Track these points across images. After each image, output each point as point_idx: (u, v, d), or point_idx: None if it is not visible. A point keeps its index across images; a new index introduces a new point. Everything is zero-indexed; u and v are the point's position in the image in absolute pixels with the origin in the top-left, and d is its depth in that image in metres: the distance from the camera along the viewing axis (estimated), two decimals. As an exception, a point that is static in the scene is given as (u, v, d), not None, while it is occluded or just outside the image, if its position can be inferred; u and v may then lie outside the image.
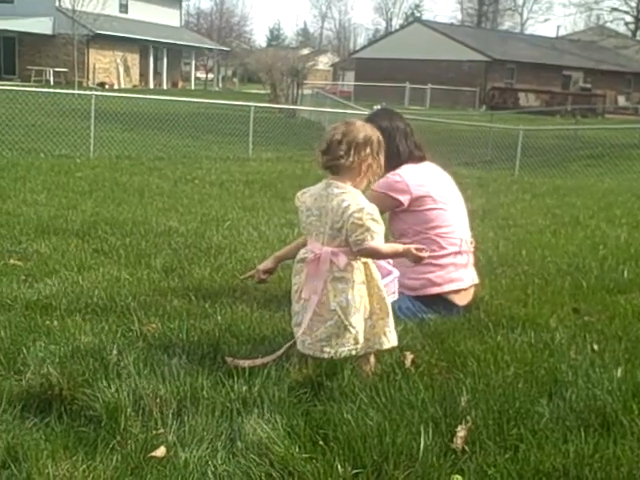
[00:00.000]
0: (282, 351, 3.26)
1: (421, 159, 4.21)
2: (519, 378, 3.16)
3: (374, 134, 3.13)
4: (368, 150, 3.07)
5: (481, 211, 7.77)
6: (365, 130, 3.11)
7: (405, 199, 4.04)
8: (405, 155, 4.14)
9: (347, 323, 3.12)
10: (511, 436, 2.66)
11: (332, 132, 3.10)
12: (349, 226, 3.02)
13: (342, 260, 3.09)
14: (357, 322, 3.13)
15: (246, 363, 3.17)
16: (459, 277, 4.11)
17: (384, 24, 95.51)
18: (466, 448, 2.59)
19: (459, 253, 4.12)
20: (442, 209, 4.09)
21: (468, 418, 2.75)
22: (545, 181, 12.10)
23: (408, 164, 4.14)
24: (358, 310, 3.12)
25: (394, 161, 4.04)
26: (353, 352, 3.15)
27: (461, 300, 4.12)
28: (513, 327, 3.87)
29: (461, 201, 4.27)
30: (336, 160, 3.06)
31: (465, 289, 4.14)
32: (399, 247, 3.22)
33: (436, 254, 4.01)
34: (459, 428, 2.68)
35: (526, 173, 13.22)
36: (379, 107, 15.26)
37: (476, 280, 4.25)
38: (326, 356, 3.13)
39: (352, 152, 3.04)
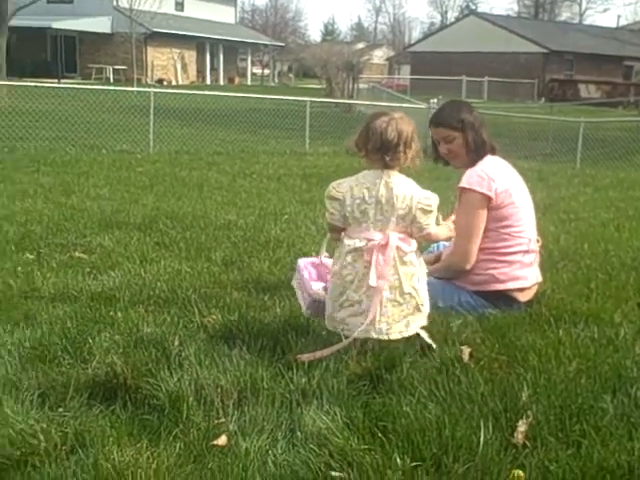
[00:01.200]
0: (341, 345, 3.27)
1: (496, 150, 4.12)
2: (581, 374, 3.11)
3: (412, 125, 3.27)
4: (415, 144, 3.23)
5: (542, 205, 7.63)
6: (410, 123, 3.26)
7: (492, 195, 3.90)
8: (487, 145, 4.04)
9: (420, 303, 3.32)
10: (573, 432, 2.62)
11: (383, 129, 3.17)
12: (416, 212, 3.19)
13: (410, 245, 3.25)
14: (427, 301, 3.36)
15: (304, 357, 3.19)
16: (523, 275, 4.03)
17: (439, 17, 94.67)
18: (527, 443, 2.56)
19: (527, 252, 4.04)
20: (517, 207, 3.99)
21: (529, 413, 2.72)
22: (608, 174, 11.84)
23: (489, 156, 4.05)
24: (425, 290, 3.34)
25: (480, 152, 4.00)
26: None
27: (523, 297, 4.05)
28: (575, 322, 3.81)
29: (530, 199, 4.18)
30: (397, 160, 3.20)
31: (528, 288, 4.08)
32: (451, 229, 3.49)
33: (503, 251, 3.97)
34: (520, 423, 2.66)
35: (588, 166, 12.97)
36: (435, 100, 15.14)
37: (539, 279, 4.16)
38: (400, 337, 3.30)
39: (407, 149, 3.20)
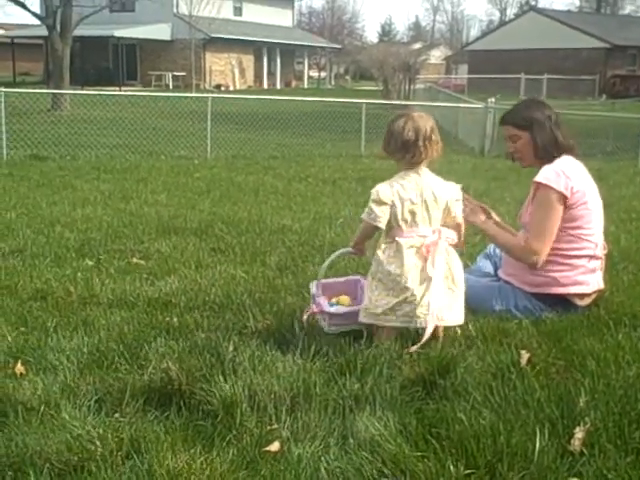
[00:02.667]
0: (429, 332, 3.34)
1: (574, 149, 4.01)
2: (642, 379, 3.03)
3: (431, 120, 3.43)
4: (435, 136, 3.38)
5: (602, 204, 7.48)
6: (428, 119, 3.42)
7: (568, 194, 3.81)
8: (561, 144, 3.92)
9: (464, 291, 3.53)
10: (633, 439, 2.56)
11: (401, 129, 3.35)
12: (451, 204, 3.44)
13: (454, 236, 3.48)
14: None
15: (412, 349, 3.30)
16: (586, 281, 3.93)
17: (498, 14, 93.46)
18: (584, 450, 2.51)
19: (592, 257, 3.93)
20: (589, 209, 3.89)
21: (587, 419, 2.66)
22: (671, 172, 11.52)
23: (564, 156, 3.93)
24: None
25: (551, 151, 3.91)
26: None
27: (582, 302, 3.95)
28: (635, 325, 3.71)
29: (601, 203, 4.05)
30: (420, 156, 3.36)
31: (589, 294, 3.98)
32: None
33: (569, 253, 3.88)
34: (577, 430, 2.60)
35: (651, 164, 12.65)
36: (493, 100, 14.96)
37: (602, 285, 4.05)
38: (453, 323, 3.49)
39: (427, 143, 3.35)
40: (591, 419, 2.66)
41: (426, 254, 3.36)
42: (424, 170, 3.42)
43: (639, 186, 9.76)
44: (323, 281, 3.77)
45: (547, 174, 3.83)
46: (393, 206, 3.35)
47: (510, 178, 9.90)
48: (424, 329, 3.37)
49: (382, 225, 3.39)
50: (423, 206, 3.37)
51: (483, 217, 4.05)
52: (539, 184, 3.84)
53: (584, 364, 3.20)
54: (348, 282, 3.95)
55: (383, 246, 3.47)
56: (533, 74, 42.15)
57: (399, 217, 3.36)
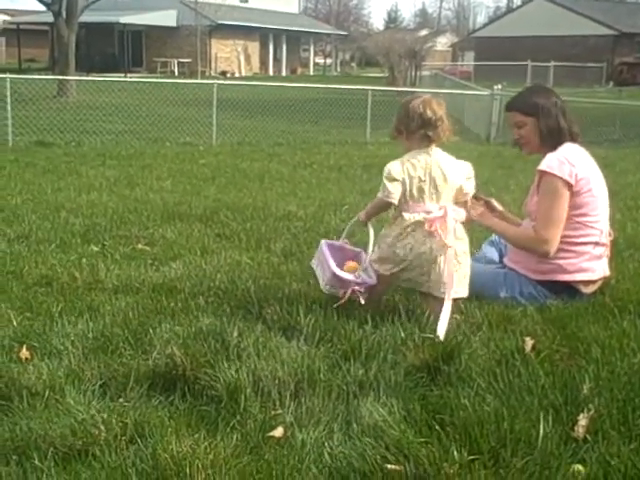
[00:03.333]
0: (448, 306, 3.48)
1: (578, 137, 4.00)
2: (646, 366, 3.03)
3: (443, 104, 3.60)
4: (447, 119, 3.52)
5: (608, 192, 7.45)
6: (441, 104, 3.57)
7: (572, 181, 3.80)
8: (566, 132, 3.92)
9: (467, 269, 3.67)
10: (637, 426, 2.55)
11: (422, 109, 3.48)
12: (463, 182, 3.57)
13: (463, 213, 3.62)
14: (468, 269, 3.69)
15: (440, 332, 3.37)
16: (591, 267, 3.92)
17: (505, 1, 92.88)
18: (588, 437, 2.51)
19: (597, 244, 3.92)
20: (594, 196, 3.88)
21: (590, 406, 2.65)
22: (679, 159, 11.47)
23: (568, 143, 3.93)
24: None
25: (556, 138, 3.91)
26: None
27: (587, 289, 3.94)
28: (641, 313, 3.71)
29: (606, 191, 4.05)
30: (437, 135, 3.49)
31: (594, 281, 3.97)
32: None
33: (574, 240, 3.87)
34: (581, 416, 2.60)
35: (657, 151, 12.59)
36: (499, 87, 14.91)
37: (607, 273, 4.04)
38: (456, 296, 3.58)
39: (442, 124, 3.49)
40: (595, 406, 2.66)
41: (429, 228, 3.49)
42: (435, 150, 3.54)
43: (646, 174, 9.72)
44: (335, 242, 3.95)
45: (550, 162, 3.82)
46: (404, 182, 3.49)
47: (516, 166, 9.87)
48: (426, 294, 3.63)
49: (395, 201, 3.52)
50: (431, 184, 3.50)
51: (487, 213, 4.06)
52: (543, 172, 3.83)
53: (588, 351, 3.19)
54: (351, 251, 4.00)
55: (391, 221, 3.63)
56: (540, 61, 41.90)
57: (407, 193, 3.51)
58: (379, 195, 3.59)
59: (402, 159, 3.55)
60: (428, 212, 3.52)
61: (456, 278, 3.54)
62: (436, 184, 3.50)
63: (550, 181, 3.81)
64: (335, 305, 3.63)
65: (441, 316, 3.44)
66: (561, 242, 3.86)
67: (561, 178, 3.78)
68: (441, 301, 3.51)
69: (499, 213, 4.17)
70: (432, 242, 3.52)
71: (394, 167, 3.52)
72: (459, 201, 3.62)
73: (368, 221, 3.76)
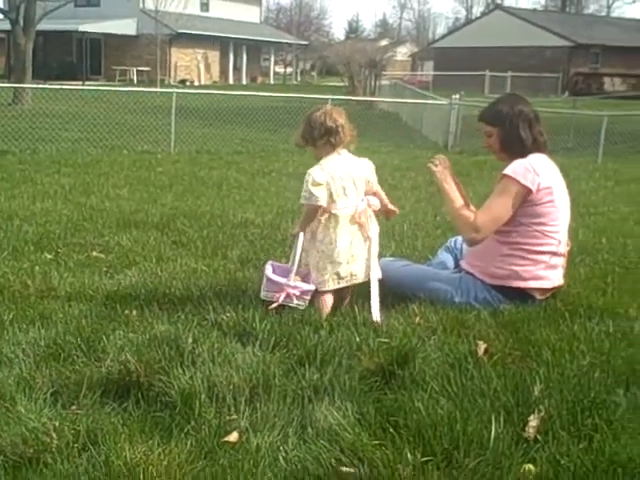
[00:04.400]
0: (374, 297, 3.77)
1: (543, 147, 4.04)
2: (595, 368, 3.08)
3: (343, 112, 3.91)
4: (348, 125, 3.83)
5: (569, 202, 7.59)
6: (341, 112, 3.89)
7: (534, 189, 3.84)
8: (529, 142, 3.95)
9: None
10: (585, 426, 2.61)
11: (323, 119, 3.78)
12: (369, 175, 3.92)
13: (377, 203, 3.98)
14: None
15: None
16: (546, 276, 3.98)
17: (464, 12, 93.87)
18: (538, 437, 2.55)
19: (554, 254, 3.97)
20: (555, 207, 3.92)
21: (541, 407, 2.70)
22: (630, 168, 11.71)
23: (535, 154, 3.97)
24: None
25: (517, 148, 3.95)
26: None
27: (542, 295, 4.00)
28: (591, 316, 3.78)
29: (568, 202, 4.09)
30: (340, 140, 3.80)
31: (549, 289, 4.04)
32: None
33: (531, 249, 3.92)
34: (532, 417, 2.65)
35: (610, 160, 12.82)
36: (457, 97, 15.08)
37: (561, 282, 4.10)
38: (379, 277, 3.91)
39: (344, 130, 3.81)
40: (545, 407, 2.71)
41: (358, 219, 3.82)
42: (343, 151, 3.85)
43: (598, 181, 9.93)
44: (279, 264, 4.08)
45: (516, 168, 3.88)
46: (329, 185, 3.75)
47: (473, 174, 9.98)
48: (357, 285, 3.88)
49: (324, 203, 3.75)
50: (350, 180, 3.81)
51: (449, 180, 4.10)
52: (506, 176, 3.88)
53: (540, 354, 3.25)
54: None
55: (318, 223, 3.82)
56: (498, 71, 42.43)
57: (334, 193, 3.77)
58: (305, 202, 3.80)
59: (320, 165, 3.80)
60: (355, 205, 3.83)
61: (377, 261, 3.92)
62: (354, 180, 3.82)
63: (508, 183, 3.86)
64: (271, 307, 3.72)
65: (372, 302, 3.75)
66: (519, 250, 3.92)
67: (522, 184, 3.83)
68: (350, 289, 3.90)
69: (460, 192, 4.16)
70: (361, 231, 3.84)
71: (316, 173, 3.76)
72: (368, 192, 3.93)
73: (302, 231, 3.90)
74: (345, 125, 3.81)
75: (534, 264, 3.94)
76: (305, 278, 3.89)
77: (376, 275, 3.88)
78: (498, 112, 4.01)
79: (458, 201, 4.05)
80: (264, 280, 3.86)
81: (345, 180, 3.80)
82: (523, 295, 3.97)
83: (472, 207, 4.09)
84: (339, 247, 3.80)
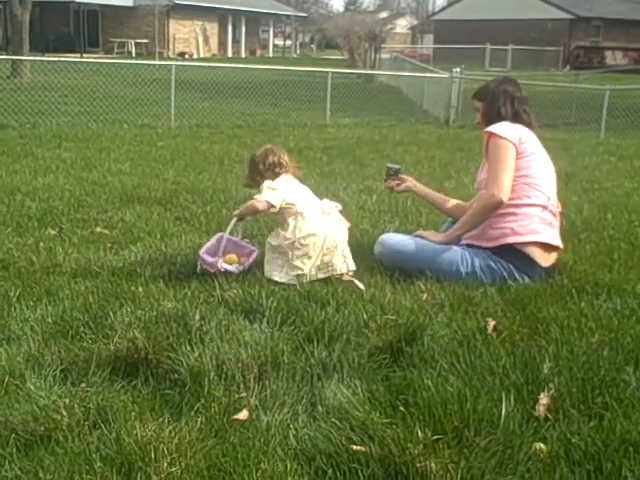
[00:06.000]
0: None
1: (527, 125, 4.19)
2: (604, 345, 3.09)
3: (282, 149, 4.33)
4: (286, 157, 4.24)
5: (564, 174, 7.54)
6: (280, 149, 4.30)
7: (516, 142, 4.01)
8: (508, 118, 4.15)
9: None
10: (596, 404, 2.61)
11: (265, 156, 4.17)
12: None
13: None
14: None
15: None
16: (542, 230, 4.02)
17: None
18: (549, 416, 2.55)
19: (545, 208, 4.05)
20: (537, 161, 4.08)
21: (551, 385, 2.70)
22: (633, 142, 11.66)
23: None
24: None
25: (497, 122, 4.13)
26: None
27: (544, 260, 4.01)
28: (598, 293, 3.77)
29: (552, 167, 4.22)
30: (284, 169, 4.18)
31: (547, 246, 4.03)
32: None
33: (521, 202, 4.00)
34: (541, 395, 2.65)
35: (612, 135, 12.76)
36: (458, 70, 14.98)
37: (560, 244, 4.14)
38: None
39: (287, 162, 4.23)
40: (555, 385, 2.71)
41: (326, 211, 4.08)
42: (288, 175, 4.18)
43: (601, 156, 9.88)
44: (230, 238, 4.23)
45: (497, 126, 4.08)
46: (282, 192, 4.02)
47: (475, 149, 9.92)
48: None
49: (276, 204, 3.99)
50: (305, 190, 4.17)
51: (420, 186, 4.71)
52: (490, 133, 4.06)
53: (548, 331, 3.25)
54: (242, 246, 4.32)
55: (286, 225, 4.02)
56: (498, 44, 42.22)
57: (293, 198, 4.03)
58: (257, 196, 4.07)
59: (277, 181, 4.11)
60: (318, 203, 4.14)
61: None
62: (306, 190, 4.20)
63: (496, 141, 4.03)
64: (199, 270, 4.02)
65: (356, 282, 3.92)
66: (510, 206, 3.99)
67: (506, 138, 4.01)
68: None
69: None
70: (327, 220, 4.06)
71: (270, 182, 4.07)
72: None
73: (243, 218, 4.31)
74: (286, 158, 4.21)
75: (527, 218, 4.00)
76: (250, 255, 4.22)
77: (352, 265, 4.05)
78: (484, 88, 4.31)
79: (444, 199, 4.70)
80: (199, 258, 4.09)
81: (300, 189, 4.15)
82: (525, 259, 3.98)
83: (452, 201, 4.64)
84: (313, 239, 3.96)
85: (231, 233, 4.21)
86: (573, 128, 13.82)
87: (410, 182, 4.65)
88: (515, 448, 2.36)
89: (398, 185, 4.64)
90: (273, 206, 4.00)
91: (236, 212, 4.24)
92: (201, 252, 4.08)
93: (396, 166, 4.70)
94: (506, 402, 2.58)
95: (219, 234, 4.28)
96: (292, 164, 4.24)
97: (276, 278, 3.94)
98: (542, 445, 2.38)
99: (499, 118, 4.14)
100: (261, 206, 4.02)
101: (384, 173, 4.71)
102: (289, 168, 4.20)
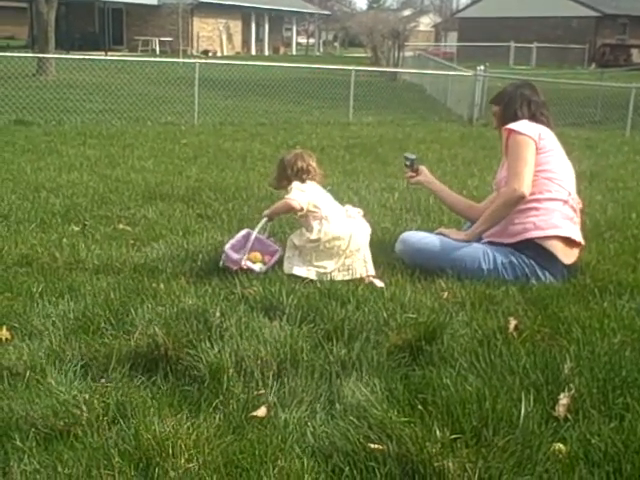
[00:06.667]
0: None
1: (548, 127, 4.20)
2: (626, 346, 3.06)
3: (312, 155, 4.31)
4: (314, 163, 4.24)
5: (589, 173, 7.49)
6: (311, 155, 4.29)
7: (536, 138, 4.02)
8: (524, 119, 4.15)
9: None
10: (616, 405, 2.58)
11: (294, 161, 4.16)
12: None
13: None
14: None
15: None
16: (564, 225, 4.00)
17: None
18: (569, 416, 2.53)
19: (566, 203, 4.04)
20: (556, 157, 4.09)
21: (571, 386, 2.68)
22: (659, 141, 11.53)
23: None
24: None
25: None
26: None
27: (565, 256, 3.99)
28: (621, 293, 3.74)
29: (570, 165, 4.20)
30: (311, 177, 4.19)
31: (569, 241, 4.01)
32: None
33: (542, 197, 3.99)
34: (561, 396, 2.63)
35: (638, 133, 12.63)
36: (482, 68, 14.89)
37: (582, 241, 4.11)
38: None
39: (315, 169, 4.22)
40: (575, 385, 2.69)
41: (351, 216, 4.13)
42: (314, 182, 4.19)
43: (626, 155, 9.78)
44: (258, 237, 4.20)
45: (517, 124, 4.08)
46: (310, 194, 4.04)
47: (498, 147, 9.82)
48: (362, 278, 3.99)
49: (304, 205, 4.00)
50: (328, 197, 4.18)
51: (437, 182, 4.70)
52: (509, 130, 4.06)
53: (569, 331, 3.22)
54: (267, 245, 4.31)
55: (310, 228, 4.03)
56: (523, 42, 41.94)
57: (319, 202, 4.06)
58: (287, 197, 4.08)
59: (303, 186, 4.12)
60: (345, 208, 4.21)
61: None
62: (330, 196, 4.22)
63: (515, 137, 4.03)
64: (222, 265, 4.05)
65: (376, 281, 3.93)
66: (531, 201, 3.98)
67: (525, 134, 4.01)
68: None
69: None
70: (352, 224, 4.08)
71: (297, 186, 4.10)
72: None
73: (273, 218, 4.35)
74: (314, 165, 4.20)
75: (548, 212, 3.99)
76: (274, 254, 4.21)
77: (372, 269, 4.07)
78: (501, 92, 4.34)
79: (456, 197, 4.72)
80: (223, 253, 4.08)
81: (325, 196, 4.17)
82: (547, 255, 3.96)
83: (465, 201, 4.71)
84: (338, 242, 3.98)
85: (259, 232, 4.22)
86: (598, 127, 13.69)
87: (423, 176, 4.62)
88: (534, 448, 2.34)
89: (411, 177, 4.63)
90: (301, 207, 4.03)
91: (267, 212, 4.26)
92: (226, 248, 4.08)
93: (412, 156, 4.67)
94: (525, 402, 2.56)
95: (245, 230, 4.31)
96: (319, 172, 4.25)
97: (296, 272, 3.95)
98: (561, 445, 2.36)
99: (515, 121, 4.13)
100: (296, 204, 4.03)
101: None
102: (316, 175, 4.21)
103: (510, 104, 4.20)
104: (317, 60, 37.41)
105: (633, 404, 2.57)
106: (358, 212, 4.22)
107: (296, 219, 4.25)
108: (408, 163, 4.62)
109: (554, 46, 41.52)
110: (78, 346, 3.04)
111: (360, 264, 4.02)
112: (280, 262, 4.10)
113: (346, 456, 2.32)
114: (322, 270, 3.96)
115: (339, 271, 3.99)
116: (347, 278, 3.98)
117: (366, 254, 4.06)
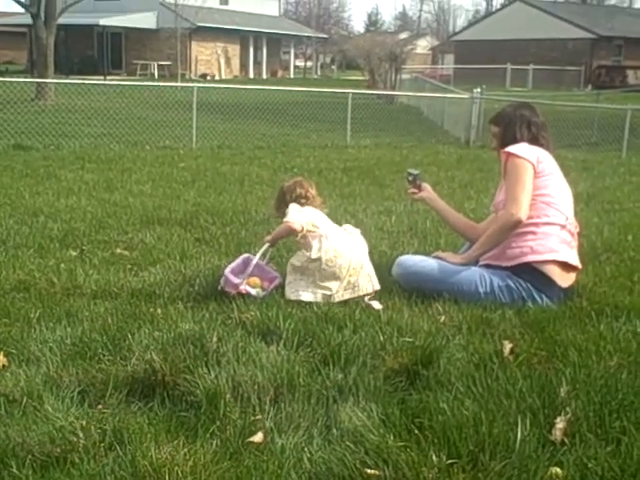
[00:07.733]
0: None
1: (547, 150, 4.22)
2: (622, 369, 3.06)
3: (310, 182, 4.39)
4: (312, 188, 4.30)
5: (585, 195, 7.53)
6: (309, 182, 4.38)
7: (534, 162, 4.03)
8: (524, 141, 4.16)
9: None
10: (613, 429, 2.58)
11: (293, 188, 4.24)
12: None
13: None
14: None
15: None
16: (561, 249, 4.01)
17: (484, 4, 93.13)
18: (565, 440, 2.53)
19: (564, 227, 4.05)
20: (555, 181, 4.10)
21: (568, 409, 2.68)
22: (655, 163, 11.57)
23: None
24: None
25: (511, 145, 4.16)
26: None
27: (562, 280, 4.00)
28: (617, 316, 3.74)
29: (568, 188, 4.22)
30: (309, 202, 4.24)
31: (566, 266, 4.02)
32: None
33: (540, 221, 4.00)
34: (558, 419, 2.63)
35: (635, 155, 12.65)
36: (478, 90, 14.98)
37: (579, 264, 4.12)
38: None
39: (313, 195, 4.29)
40: (572, 409, 2.69)
41: (351, 233, 4.20)
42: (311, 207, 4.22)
43: (622, 177, 9.82)
44: (258, 262, 4.21)
45: (515, 147, 4.09)
46: (308, 215, 4.08)
47: (495, 169, 9.88)
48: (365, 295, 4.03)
49: (303, 224, 4.02)
50: (326, 218, 4.19)
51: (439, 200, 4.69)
52: (508, 154, 4.07)
53: (566, 354, 3.22)
54: (266, 271, 4.32)
55: (309, 247, 4.03)
56: (519, 64, 42.14)
57: (317, 221, 4.09)
58: (285, 219, 4.09)
59: (301, 208, 4.16)
60: (342, 227, 4.28)
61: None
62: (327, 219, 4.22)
63: (514, 161, 4.04)
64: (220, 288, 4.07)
65: (374, 304, 3.92)
66: (529, 225, 3.99)
67: (524, 157, 4.02)
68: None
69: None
70: (352, 241, 4.14)
71: (294, 207, 4.14)
72: None
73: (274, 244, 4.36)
74: (314, 192, 4.25)
75: (546, 237, 4.00)
76: (273, 281, 4.20)
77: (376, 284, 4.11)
78: (500, 113, 4.34)
79: (457, 216, 4.71)
80: (223, 276, 4.10)
81: (323, 217, 4.18)
82: (543, 278, 3.97)
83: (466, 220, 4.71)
84: (340, 260, 4.00)
85: (260, 258, 4.22)
86: (595, 148, 13.74)
87: (426, 193, 4.63)
88: (530, 472, 2.34)
89: (414, 194, 4.64)
90: (302, 227, 4.04)
91: (268, 238, 4.27)
92: (227, 271, 4.09)
93: (415, 172, 4.66)
94: (522, 426, 2.56)
95: (245, 255, 4.35)
96: (319, 199, 4.28)
97: (303, 297, 3.95)
98: (558, 470, 2.36)
99: (515, 142, 4.15)
100: (297, 226, 4.03)
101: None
102: (315, 202, 4.23)
103: (510, 125, 4.22)
104: (315, 83, 37.64)
105: (630, 428, 2.57)
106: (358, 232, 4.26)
107: (295, 242, 4.24)
108: (411, 178, 4.61)
109: (550, 68, 41.78)
110: (75, 372, 3.04)
111: (365, 279, 4.05)
112: (279, 287, 4.11)
113: (343, 482, 2.32)
114: (328, 292, 3.97)
115: (345, 289, 4.00)
116: (354, 296, 4.00)
117: (370, 269, 4.09)
